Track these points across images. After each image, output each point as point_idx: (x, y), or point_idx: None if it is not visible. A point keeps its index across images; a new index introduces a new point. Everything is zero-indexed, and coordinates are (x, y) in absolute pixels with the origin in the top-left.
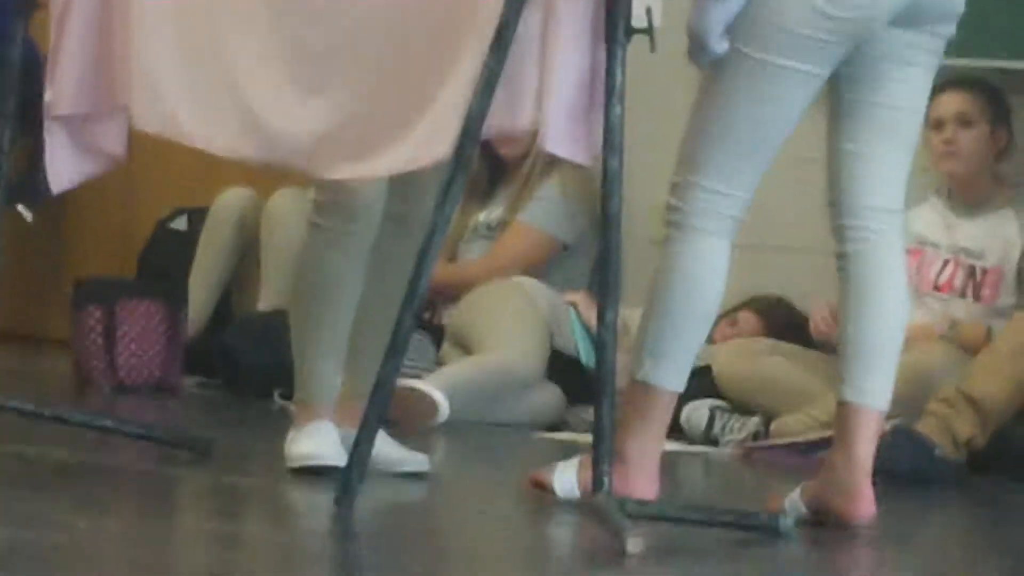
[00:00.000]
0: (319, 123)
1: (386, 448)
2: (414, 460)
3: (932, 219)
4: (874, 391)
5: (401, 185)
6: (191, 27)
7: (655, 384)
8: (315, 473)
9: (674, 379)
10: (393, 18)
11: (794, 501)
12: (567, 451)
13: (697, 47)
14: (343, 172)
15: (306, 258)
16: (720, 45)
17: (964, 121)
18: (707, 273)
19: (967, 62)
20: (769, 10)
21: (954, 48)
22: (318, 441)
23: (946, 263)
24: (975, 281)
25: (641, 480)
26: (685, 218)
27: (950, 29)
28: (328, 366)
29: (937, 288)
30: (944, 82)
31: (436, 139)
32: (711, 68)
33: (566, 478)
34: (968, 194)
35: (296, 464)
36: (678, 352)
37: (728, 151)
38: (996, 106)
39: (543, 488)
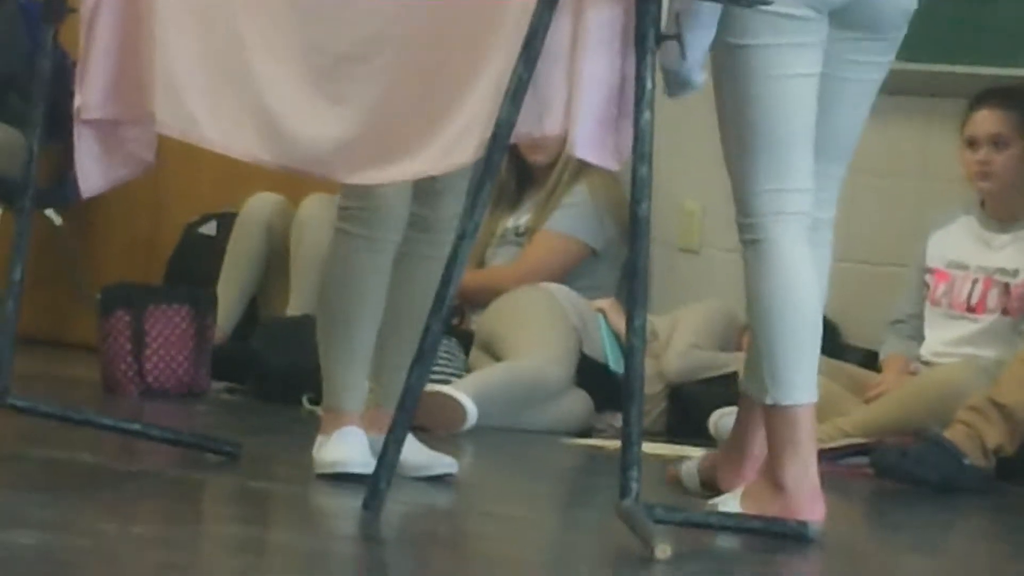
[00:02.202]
0: (342, 130)
1: (414, 452)
2: (442, 463)
3: (961, 239)
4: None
5: (426, 190)
6: (213, 30)
7: (784, 404)
8: (343, 479)
9: (800, 392)
10: (417, 24)
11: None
12: (595, 457)
13: (678, 83)
14: (366, 177)
15: (333, 265)
16: (700, 76)
17: (998, 142)
18: (792, 279)
19: (1010, 72)
20: None
21: (996, 57)
22: (347, 448)
23: (975, 283)
24: (1008, 297)
25: (803, 504)
26: (756, 232)
27: (903, 32)
28: (356, 372)
29: (971, 309)
30: (980, 96)
31: (460, 144)
32: (714, 78)
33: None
34: (1001, 210)
35: (325, 471)
36: (794, 364)
37: (765, 148)
38: None
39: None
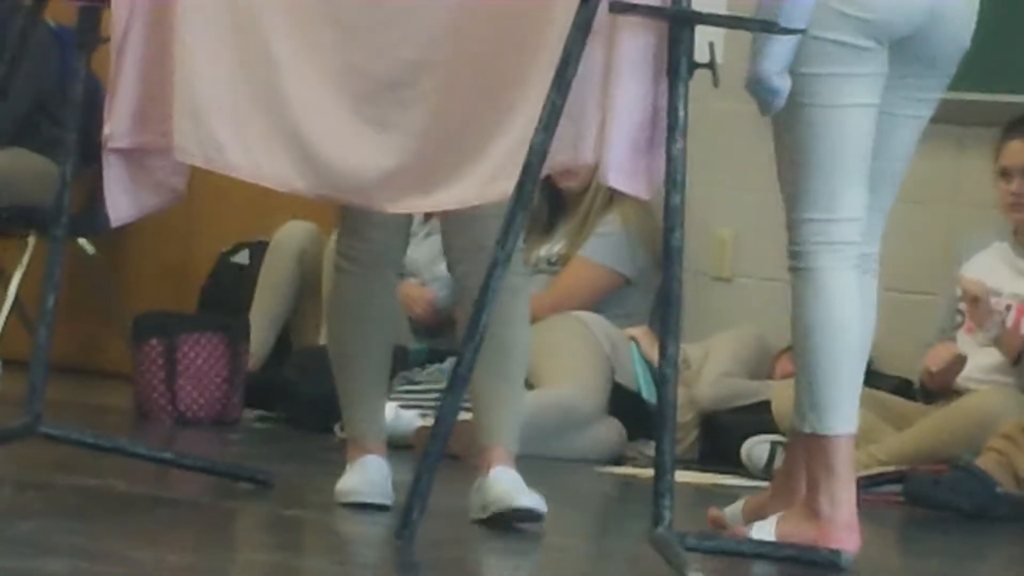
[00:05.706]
0: (388, 158)
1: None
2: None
3: (995, 265)
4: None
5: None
6: (244, 55)
7: (823, 434)
8: (369, 508)
9: (840, 423)
10: (457, 52)
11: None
12: (627, 485)
13: (765, 91)
14: (409, 206)
15: (329, 302)
16: (784, 81)
17: None
18: (835, 309)
19: None
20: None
21: None
22: (361, 478)
23: (1008, 309)
24: None
25: (838, 533)
26: (803, 260)
27: (955, 68)
28: (371, 404)
29: None
30: (1013, 126)
31: (506, 171)
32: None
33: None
34: None
35: (340, 500)
36: (835, 395)
37: (817, 177)
38: None
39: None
